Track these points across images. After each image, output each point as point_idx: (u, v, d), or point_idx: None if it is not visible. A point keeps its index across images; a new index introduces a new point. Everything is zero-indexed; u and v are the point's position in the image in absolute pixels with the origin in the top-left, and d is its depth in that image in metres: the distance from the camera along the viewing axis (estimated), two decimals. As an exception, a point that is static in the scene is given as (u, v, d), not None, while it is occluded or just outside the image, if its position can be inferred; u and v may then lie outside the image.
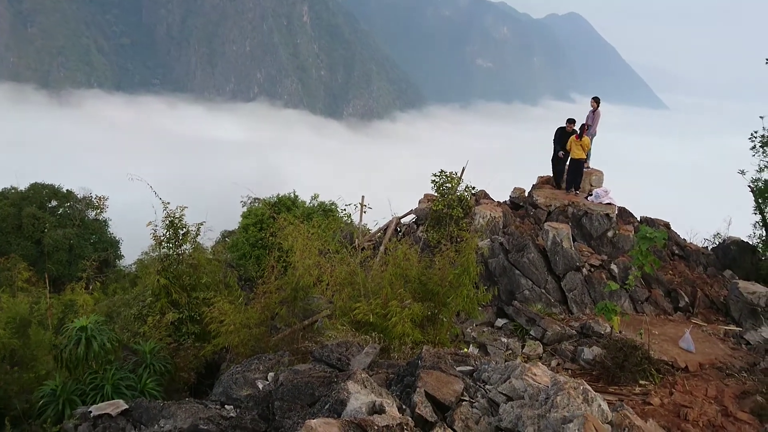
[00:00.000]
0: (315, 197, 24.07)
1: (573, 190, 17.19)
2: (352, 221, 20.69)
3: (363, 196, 16.50)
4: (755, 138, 16.00)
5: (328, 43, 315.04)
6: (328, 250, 11.23)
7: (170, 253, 13.06)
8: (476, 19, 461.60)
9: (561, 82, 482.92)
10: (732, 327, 12.77)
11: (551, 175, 18.08)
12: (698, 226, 18.64)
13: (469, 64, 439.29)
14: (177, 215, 12.95)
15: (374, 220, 18.15)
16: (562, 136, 17.03)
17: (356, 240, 16.08)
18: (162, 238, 12.99)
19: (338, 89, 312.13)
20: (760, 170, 16.12)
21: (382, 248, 14.29)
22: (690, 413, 8.80)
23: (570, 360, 10.83)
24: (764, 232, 16.78)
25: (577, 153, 16.70)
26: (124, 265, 30.63)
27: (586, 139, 16.82)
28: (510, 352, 11.34)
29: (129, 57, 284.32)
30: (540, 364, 6.54)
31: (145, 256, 25.01)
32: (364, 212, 16.88)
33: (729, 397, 9.49)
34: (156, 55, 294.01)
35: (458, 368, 6.74)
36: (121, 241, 31.77)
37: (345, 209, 20.00)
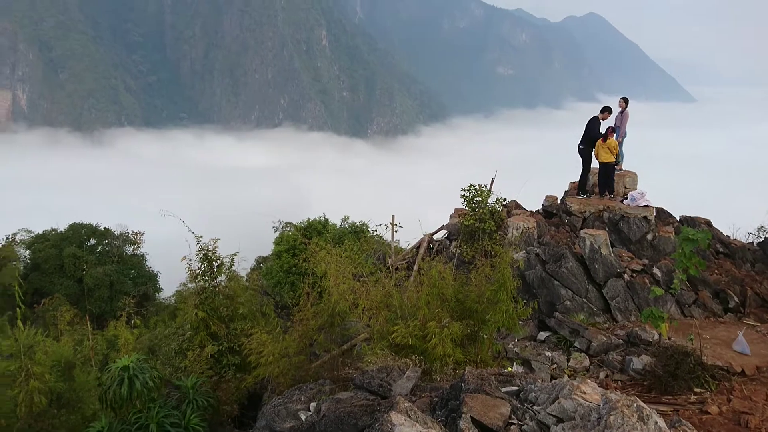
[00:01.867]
0: (345, 219, 24.09)
1: (607, 194, 16.79)
2: (384, 241, 20.62)
3: (393, 216, 16.41)
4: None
5: (347, 65, 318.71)
6: (362, 273, 11.14)
7: (206, 286, 13.13)
8: (493, 28, 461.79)
9: (584, 83, 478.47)
10: (787, 325, 12.22)
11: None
12: (740, 220, 18.05)
13: (489, 72, 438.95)
14: (210, 248, 13.03)
15: (406, 241, 18.04)
16: (593, 125, 16.52)
17: (389, 260, 15.97)
18: (197, 271, 13.07)
19: (361, 109, 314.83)
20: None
21: (416, 267, 14.15)
22: (751, 420, 8.38)
23: (619, 371, 10.46)
24: (812, 223, 16.12)
25: (604, 156, 16.29)
26: (164, 298, 31.15)
27: (612, 140, 16.40)
28: (555, 366, 11.02)
29: (156, 94, 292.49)
30: (589, 381, 6.29)
31: (183, 287, 25.36)
32: (396, 231, 16.79)
33: (791, 400, 9.04)
34: (182, 90, 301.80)
35: (503, 389, 6.53)
36: (159, 275, 32.30)
37: (376, 230, 19.95)
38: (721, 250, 15.51)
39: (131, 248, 32.43)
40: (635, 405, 5.33)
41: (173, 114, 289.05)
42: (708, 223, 16.56)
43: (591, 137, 16.47)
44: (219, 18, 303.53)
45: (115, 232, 32.20)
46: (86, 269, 28.81)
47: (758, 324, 12.44)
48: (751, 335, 11.58)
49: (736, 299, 13.14)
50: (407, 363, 8.49)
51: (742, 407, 8.80)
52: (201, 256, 13.04)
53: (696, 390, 9.20)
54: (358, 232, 22.05)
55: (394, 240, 17.33)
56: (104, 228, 31.81)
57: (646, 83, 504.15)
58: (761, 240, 16.94)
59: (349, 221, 23.94)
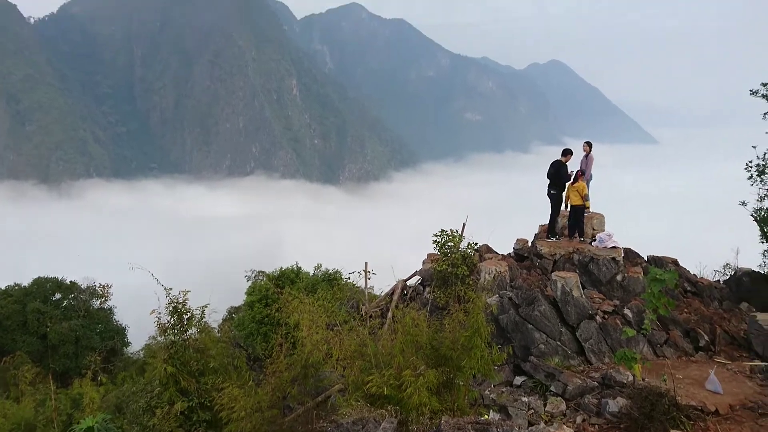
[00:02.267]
0: (318, 267, 23.93)
1: (576, 236, 17.04)
2: (357, 288, 20.49)
3: (366, 263, 16.38)
4: (750, 168, 15.99)
5: (319, 113, 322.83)
6: (336, 322, 11.02)
7: (176, 339, 12.83)
8: (460, 76, 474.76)
9: (550, 127, 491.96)
10: (757, 362, 12.37)
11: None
12: (706, 258, 18.42)
13: (457, 118, 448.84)
14: (180, 300, 12.79)
15: (380, 289, 17.96)
16: (559, 168, 16.65)
17: (363, 308, 15.85)
18: (166, 325, 12.79)
19: (333, 156, 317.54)
20: (761, 199, 16.03)
21: (390, 315, 14.05)
22: (728, 460, 8.40)
23: (595, 414, 10.41)
24: (774, 260, 16.53)
25: (575, 199, 16.62)
26: (132, 352, 30.28)
27: (580, 183, 16.76)
28: (532, 411, 10.92)
29: (126, 144, 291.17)
30: (565, 427, 6.26)
31: (152, 340, 24.67)
32: (369, 278, 16.73)
33: (765, 438, 9.09)
34: (152, 141, 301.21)
35: (481, 438, 6.45)
36: (127, 328, 31.45)
37: (349, 277, 19.83)
38: (689, 288, 15.77)
39: (98, 302, 31.61)
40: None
41: (143, 164, 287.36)
42: (675, 262, 16.86)
43: (560, 181, 16.76)
44: (189, 69, 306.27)
45: (82, 286, 31.40)
46: (50, 325, 27.91)
47: (729, 362, 12.57)
48: (723, 373, 11.69)
49: (706, 338, 13.30)
50: (383, 414, 8.34)
51: (718, 447, 8.82)
52: (171, 309, 12.78)
53: (672, 431, 9.19)
54: (331, 280, 21.89)
55: (368, 287, 17.25)
56: (70, 282, 31.00)
57: (608, 126, 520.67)
58: (727, 277, 17.29)
59: (323, 269, 23.79)
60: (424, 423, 8.44)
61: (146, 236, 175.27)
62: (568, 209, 17.24)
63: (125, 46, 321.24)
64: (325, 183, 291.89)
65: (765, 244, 16.54)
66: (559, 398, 11.20)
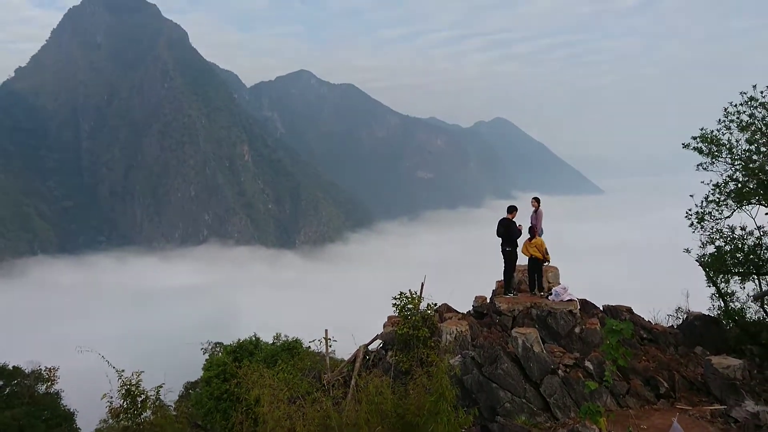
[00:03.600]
0: (277, 337, 23.39)
1: (536, 291, 17.28)
2: (318, 356, 20.06)
3: (326, 330, 16.13)
4: (690, 216, 16.71)
5: (271, 178, 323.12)
6: (298, 395, 10.73)
7: (129, 424, 12.21)
8: (409, 136, 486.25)
9: (500, 181, 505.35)
10: (717, 406, 12.58)
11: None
12: (659, 303, 18.91)
13: (410, 177, 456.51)
14: (133, 382, 12.26)
15: (341, 355, 17.62)
16: (509, 226, 16.91)
17: (325, 377, 15.48)
18: (119, 409, 12.19)
19: (287, 220, 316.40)
20: (703, 245, 16.71)
21: (353, 383, 13.77)
22: None
23: (566, 472, 10.31)
24: (722, 302, 17.10)
25: (534, 254, 16.97)
26: (81, 439, 28.54)
27: (538, 239, 17.14)
28: (503, 474, 10.74)
29: (72, 219, 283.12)
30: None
31: (103, 425, 23.29)
32: (330, 345, 16.42)
33: (732, 484, 9.15)
34: (100, 213, 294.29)
35: None
36: (76, 413, 29.74)
37: (309, 346, 19.41)
38: (645, 336, 16.07)
39: (44, 386, 29.97)
40: None
41: (91, 238, 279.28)
42: (629, 310, 17.22)
43: (512, 238, 17.09)
44: (138, 140, 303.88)
45: (26, 370, 29.81)
46: (-9, 416, 26.15)
47: (690, 407, 12.74)
48: (685, 420, 11.82)
49: (665, 385, 13.48)
50: (351, 490, 8.07)
51: (688, 497, 8.81)
52: (123, 391, 12.22)
53: (642, 484, 9.16)
54: (291, 350, 21.35)
55: (330, 353, 16.90)
56: (13, 367, 29.36)
57: (555, 179, 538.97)
58: (680, 322, 17.75)
59: (282, 338, 23.24)
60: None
61: (96, 313, 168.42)
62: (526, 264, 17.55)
63: (71, 120, 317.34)
64: (281, 248, 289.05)
65: (712, 288, 17.15)
66: (529, 458, 11.07)
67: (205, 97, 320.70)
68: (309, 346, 20.03)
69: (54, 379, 30.52)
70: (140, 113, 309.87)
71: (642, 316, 17.46)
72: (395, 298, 15.73)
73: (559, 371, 13.33)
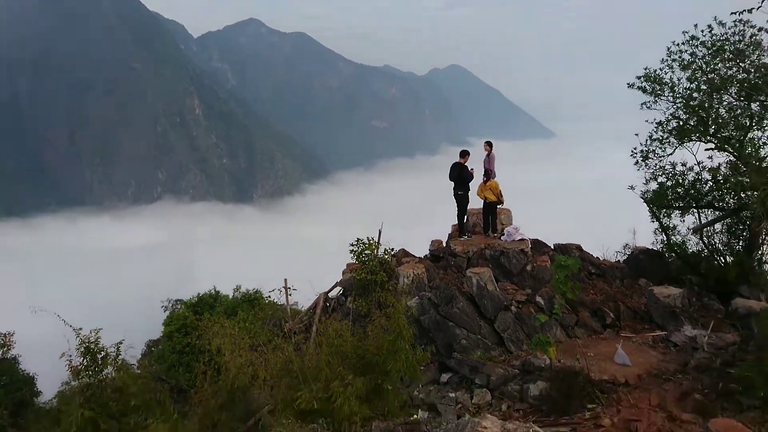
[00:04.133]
0: (237, 289, 23.49)
1: (490, 232, 17.76)
2: (279, 306, 20.29)
3: (285, 279, 16.29)
4: (636, 154, 17.31)
5: (225, 132, 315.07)
6: (260, 343, 10.92)
7: (91, 381, 12.21)
8: (364, 85, 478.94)
9: (454, 128, 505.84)
10: (658, 332, 13.40)
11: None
12: (608, 241, 19.70)
13: (365, 126, 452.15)
14: (92, 339, 12.19)
15: (301, 305, 17.84)
16: (461, 170, 17.17)
17: (286, 325, 15.74)
18: (80, 367, 12.14)
19: (243, 174, 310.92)
20: (647, 182, 17.38)
21: (314, 329, 14.06)
22: (639, 426, 9.05)
23: (519, 400, 10.92)
24: (664, 236, 17.95)
25: (490, 198, 17.37)
26: (44, 402, 28.24)
27: (492, 182, 17.51)
28: (460, 405, 11.29)
29: (18, 183, 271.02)
30: (489, 415, 6.56)
31: (65, 386, 23.16)
32: (290, 294, 16.63)
33: (671, 401, 9.85)
34: (46, 177, 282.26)
35: (411, 438, 6.64)
36: (36, 377, 29.36)
37: (269, 296, 19.60)
38: (593, 271, 16.82)
39: (0, 352, 29.36)
40: (531, 431, 5.65)
41: (39, 200, 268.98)
42: (579, 248, 17.93)
43: (464, 182, 17.40)
44: (82, 101, 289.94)
45: (-22, 338, 29.04)
46: (-56, 386, 25.58)
47: (634, 335, 13.53)
48: (629, 346, 12.58)
49: (611, 315, 14.24)
50: (315, 428, 8.38)
51: (630, 415, 9.48)
52: (82, 349, 12.17)
53: (589, 406, 9.79)
54: (252, 301, 21.53)
55: (290, 303, 17.13)
56: (-36, 335, 28.59)
57: (510, 124, 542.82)
58: (626, 257, 18.61)
59: (242, 290, 23.36)
60: (356, 431, 8.55)
61: (49, 276, 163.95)
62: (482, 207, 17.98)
63: (7, 82, 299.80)
64: (238, 202, 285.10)
65: (656, 223, 17.95)
66: (484, 389, 11.65)
67: (152, 50, 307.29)
68: (269, 297, 20.23)
69: (10, 345, 29.89)
70: (82, 71, 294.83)
71: (591, 253, 18.20)
72: (352, 245, 15.98)
73: (512, 307, 13.89)
